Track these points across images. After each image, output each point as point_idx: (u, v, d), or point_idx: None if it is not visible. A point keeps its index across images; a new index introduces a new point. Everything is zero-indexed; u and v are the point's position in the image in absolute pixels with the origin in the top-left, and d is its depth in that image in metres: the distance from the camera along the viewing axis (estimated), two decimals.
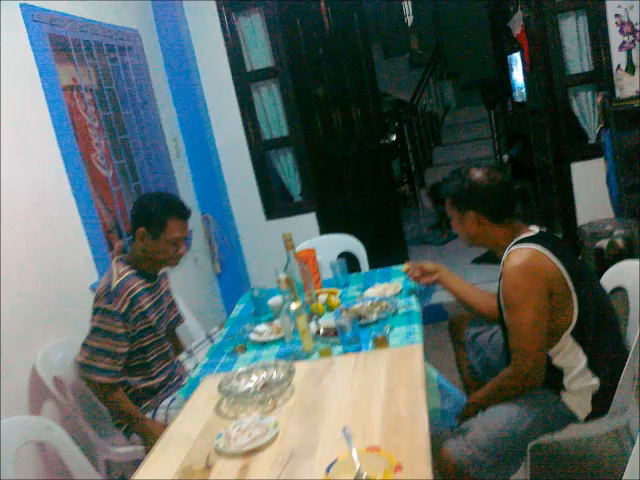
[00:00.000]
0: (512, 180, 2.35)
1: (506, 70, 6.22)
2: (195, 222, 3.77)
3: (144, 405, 2.21)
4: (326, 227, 4.11)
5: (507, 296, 1.74)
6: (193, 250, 3.67)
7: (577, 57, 3.82)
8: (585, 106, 3.90)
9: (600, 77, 3.76)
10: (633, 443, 1.23)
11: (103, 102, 2.99)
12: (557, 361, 1.75)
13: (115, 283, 2.10)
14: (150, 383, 2.23)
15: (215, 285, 4.06)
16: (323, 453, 1.38)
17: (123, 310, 2.08)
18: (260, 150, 4.14)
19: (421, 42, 9.31)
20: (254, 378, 1.77)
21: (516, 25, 4.39)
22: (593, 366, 1.72)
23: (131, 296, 2.12)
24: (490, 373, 2.06)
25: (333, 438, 1.42)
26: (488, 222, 1.85)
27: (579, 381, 1.73)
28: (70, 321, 2.35)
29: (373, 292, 2.44)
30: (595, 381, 1.72)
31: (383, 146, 4.48)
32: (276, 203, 4.24)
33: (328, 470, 1.28)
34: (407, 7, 8.89)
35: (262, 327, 2.27)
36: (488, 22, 6.66)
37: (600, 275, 2.00)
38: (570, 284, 1.69)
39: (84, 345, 2.08)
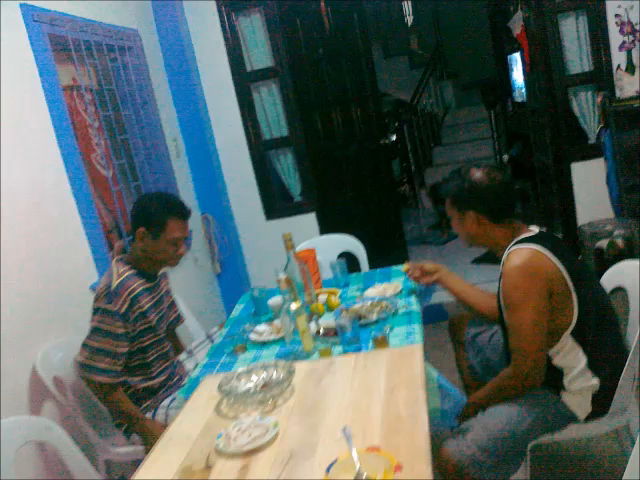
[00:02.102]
0: (512, 180, 2.35)
1: (506, 70, 6.22)
2: (195, 222, 3.77)
3: (144, 405, 2.21)
4: (326, 227, 4.11)
5: (507, 296, 1.74)
6: (193, 250, 3.67)
7: (577, 57, 3.83)
8: (585, 106, 3.90)
9: (600, 77, 3.76)
10: (633, 443, 1.24)
11: (103, 102, 2.99)
12: (557, 361, 1.75)
13: (115, 283, 2.09)
14: (150, 383, 2.23)
15: (215, 285, 4.06)
16: (323, 453, 1.38)
17: (123, 310, 2.08)
18: (260, 150, 4.15)
19: (421, 42, 9.30)
20: (254, 378, 1.77)
21: (516, 25, 4.39)
22: (593, 366, 1.72)
23: (131, 296, 2.12)
24: (490, 373, 2.06)
25: (333, 438, 1.42)
26: (488, 222, 1.85)
27: (579, 381, 1.73)
28: (70, 321, 2.35)
29: (373, 292, 2.44)
30: (595, 381, 1.72)
31: (383, 146, 4.48)
32: (276, 203, 4.24)
33: (328, 470, 1.28)
34: (407, 7, 8.88)
35: (262, 327, 2.27)
36: (488, 22, 6.66)
37: (600, 275, 2.00)
38: (570, 284, 1.69)
39: (84, 345, 2.08)
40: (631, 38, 3.61)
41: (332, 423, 1.50)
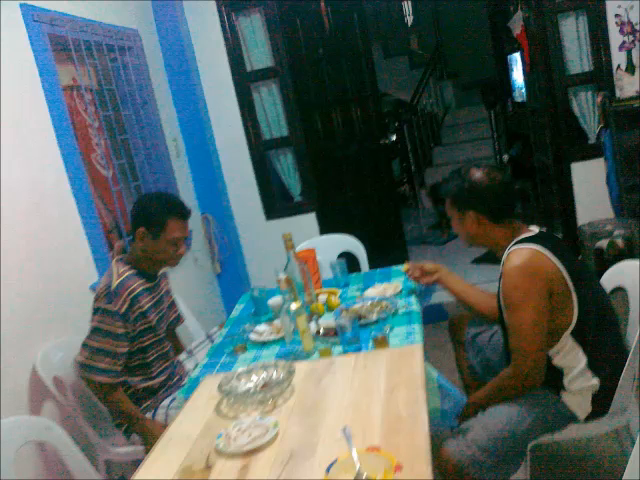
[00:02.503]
0: (512, 180, 2.35)
1: (506, 70, 6.22)
2: (195, 222, 3.77)
3: (144, 405, 2.21)
4: (326, 227, 4.11)
5: (507, 296, 1.74)
6: (193, 250, 3.67)
7: (577, 57, 3.83)
8: (585, 106, 3.90)
9: (600, 77, 3.76)
10: (633, 443, 1.24)
11: (103, 102, 2.99)
12: (557, 361, 1.75)
13: (115, 283, 2.09)
14: (150, 383, 2.23)
15: (215, 285, 4.06)
16: (323, 453, 1.38)
17: (123, 310, 2.08)
18: (260, 150, 4.15)
19: (421, 42, 9.31)
20: (254, 378, 1.77)
21: (516, 25, 4.39)
22: (593, 366, 1.72)
23: (131, 296, 2.12)
24: (490, 373, 2.06)
25: (333, 438, 1.42)
26: (488, 222, 1.85)
27: (579, 381, 1.73)
28: (70, 321, 2.35)
29: (373, 292, 2.44)
30: (595, 381, 1.72)
31: (383, 146, 4.48)
32: (276, 203, 4.24)
33: (328, 470, 1.28)
34: (407, 7, 8.88)
35: (262, 327, 2.27)
36: (488, 22, 6.66)
37: (600, 275, 2.00)
38: (570, 284, 1.69)
39: (84, 345, 2.08)
40: (631, 38, 3.61)
41: (332, 423, 1.50)
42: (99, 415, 2.28)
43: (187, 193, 3.74)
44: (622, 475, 1.23)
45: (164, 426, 1.97)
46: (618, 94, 3.66)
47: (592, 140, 3.92)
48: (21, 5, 2.39)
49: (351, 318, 1.96)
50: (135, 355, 2.18)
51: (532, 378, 1.72)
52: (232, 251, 4.05)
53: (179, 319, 2.56)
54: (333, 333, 2.05)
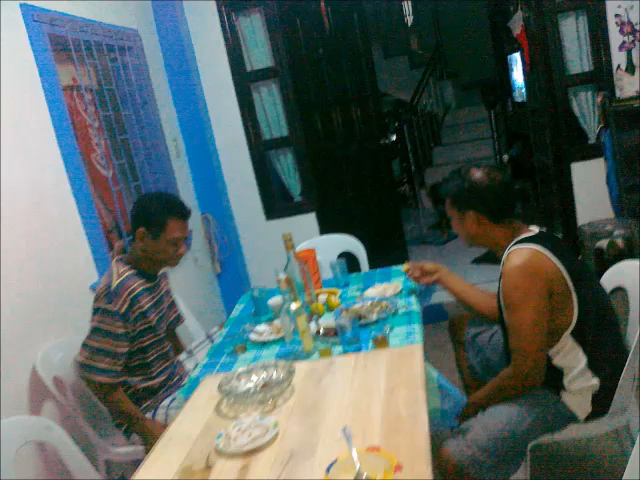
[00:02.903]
0: (512, 180, 2.35)
1: (506, 70, 6.23)
2: (195, 222, 3.77)
3: (144, 405, 2.21)
4: (326, 227, 4.11)
5: (507, 296, 1.74)
6: (193, 250, 3.67)
7: (577, 57, 3.83)
8: (585, 106, 3.90)
9: (600, 77, 3.76)
10: (633, 443, 1.24)
11: (103, 102, 2.99)
12: (557, 361, 1.75)
13: (115, 283, 2.10)
14: (150, 383, 2.23)
15: (215, 285, 4.06)
16: (323, 453, 1.38)
17: (123, 310, 2.08)
18: (260, 150, 4.15)
19: (421, 42, 9.31)
20: (254, 378, 1.77)
21: (516, 25, 4.39)
22: (593, 366, 1.72)
23: (131, 296, 2.12)
24: (490, 373, 2.06)
25: (333, 438, 1.42)
26: (488, 222, 1.85)
27: (579, 381, 1.73)
28: (70, 321, 2.35)
29: (373, 292, 2.44)
30: (595, 381, 1.72)
31: (383, 146, 4.48)
32: (276, 203, 4.25)
33: (328, 470, 1.28)
34: (407, 7, 8.89)
35: (262, 327, 2.27)
36: (488, 22, 6.66)
37: (600, 275, 2.00)
38: (570, 284, 1.69)
39: (84, 345, 2.08)
40: (631, 38, 3.61)
41: (332, 423, 1.50)
42: (99, 415, 2.28)
43: (187, 193, 3.74)
44: (622, 475, 1.23)
45: (164, 426, 1.97)
46: (618, 94, 3.66)
47: (592, 140, 3.92)
48: (21, 5, 2.39)
49: (351, 318, 1.96)
50: (135, 355, 2.18)
51: (532, 378, 1.72)
52: (232, 251, 4.05)
53: (179, 319, 2.56)
54: (333, 333, 2.05)
